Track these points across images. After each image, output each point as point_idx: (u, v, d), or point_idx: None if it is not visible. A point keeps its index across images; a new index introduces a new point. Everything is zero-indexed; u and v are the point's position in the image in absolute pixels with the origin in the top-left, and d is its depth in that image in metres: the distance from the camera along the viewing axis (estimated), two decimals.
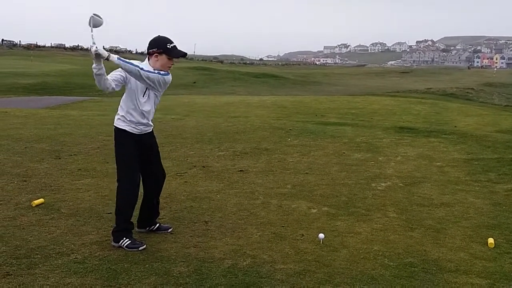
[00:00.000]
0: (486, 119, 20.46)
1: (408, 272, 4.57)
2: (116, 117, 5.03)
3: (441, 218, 6.13)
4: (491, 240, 5.30)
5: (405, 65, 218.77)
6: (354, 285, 4.28)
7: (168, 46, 4.90)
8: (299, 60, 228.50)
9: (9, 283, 4.11)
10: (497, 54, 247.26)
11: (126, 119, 4.97)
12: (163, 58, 4.90)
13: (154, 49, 4.90)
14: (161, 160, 5.40)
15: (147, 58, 4.99)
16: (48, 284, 4.12)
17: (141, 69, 4.74)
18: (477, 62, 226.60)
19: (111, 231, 5.08)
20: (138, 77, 4.75)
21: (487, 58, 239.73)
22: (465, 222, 6.02)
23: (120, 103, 5.02)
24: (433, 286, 4.31)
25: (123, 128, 4.98)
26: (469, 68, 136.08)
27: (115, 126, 5.03)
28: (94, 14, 4.75)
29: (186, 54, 5.05)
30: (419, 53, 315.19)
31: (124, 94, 5.01)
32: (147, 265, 4.59)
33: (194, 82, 46.21)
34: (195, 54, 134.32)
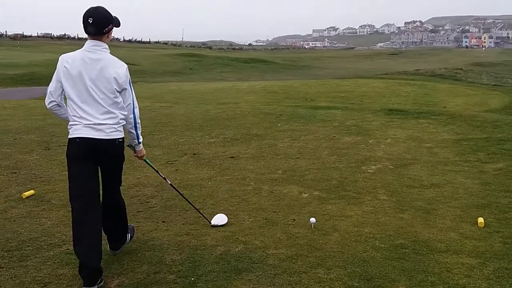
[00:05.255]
0: (475, 99, 20.54)
1: (399, 254, 4.60)
2: (115, 127, 4.06)
3: (431, 199, 6.17)
4: (481, 220, 5.35)
5: (393, 46, 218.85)
6: (346, 267, 4.31)
7: (113, 16, 4.10)
8: (288, 44, 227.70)
9: (1, 276, 4.11)
10: (485, 34, 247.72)
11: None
12: (112, 31, 4.11)
13: (110, 26, 4.04)
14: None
15: (101, 43, 4.04)
16: (40, 276, 4.12)
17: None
18: (466, 42, 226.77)
19: (115, 240, 4.57)
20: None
21: (476, 38, 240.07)
22: (455, 202, 6.07)
23: (112, 108, 4.05)
24: (424, 266, 4.35)
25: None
26: (467, 47, 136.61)
27: (120, 138, 4.13)
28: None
29: None
30: (408, 34, 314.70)
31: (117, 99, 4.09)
32: (139, 254, 4.59)
33: (191, 69, 46.10)
34: (184, 40, 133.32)
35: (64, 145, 9.03)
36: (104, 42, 4.06)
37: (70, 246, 4.71)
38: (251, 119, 11.96)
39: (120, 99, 4.08)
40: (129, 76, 4.15)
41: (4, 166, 7.57)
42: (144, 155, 4.59)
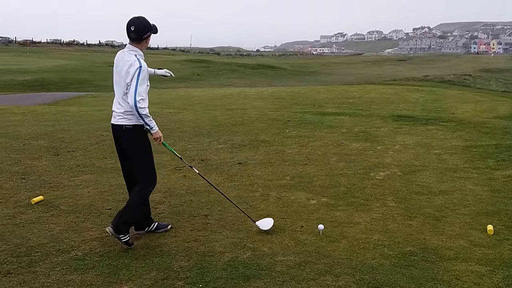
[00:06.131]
0: (484, 105, 20.43)
1: (408, 261, 4.58)
2: (122, 115, 4.86)
3: (440, 206, 6.14)
4: (490, 227, 5.31)
5: (402, 52, 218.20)
6: (355, 275, 4.30)
7: (151, 24, 4.89)
8: (295, 50, 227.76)
9: (10, 282, 4.13)
10: (494, 40, 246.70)
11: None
12: (150, 37, 4.94)
13: (148, 33, 4.87)
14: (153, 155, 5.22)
15: (134, 47, 4.85)
16: (49, 282, 4.14)
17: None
18: (474, 48, 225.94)
19: (116, 222, 4.81)
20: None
21: (484, 44, 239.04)
22: (464, 209, 6.03)
23: (121, 101, 4.85)
24: (433, 274, 4.33)
25: (138, 123, 4.89)
26: (477, 53, 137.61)
27: (128, 125, 4.87)
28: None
29: None
30: (416, 40, 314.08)
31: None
32: (147, 260, 4.60)
33: (198, 75, 46.31)
34: (192, 46, 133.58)
35: (72, 151, 9.09)
36: (140, 47, 4.89)
37: (78, 252, 4.74)
38: (259, 125, 11.97)
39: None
40: (136, 74, 4.72)
41: (13, 172, 7.61)
42: (160, 138, 5.04)
